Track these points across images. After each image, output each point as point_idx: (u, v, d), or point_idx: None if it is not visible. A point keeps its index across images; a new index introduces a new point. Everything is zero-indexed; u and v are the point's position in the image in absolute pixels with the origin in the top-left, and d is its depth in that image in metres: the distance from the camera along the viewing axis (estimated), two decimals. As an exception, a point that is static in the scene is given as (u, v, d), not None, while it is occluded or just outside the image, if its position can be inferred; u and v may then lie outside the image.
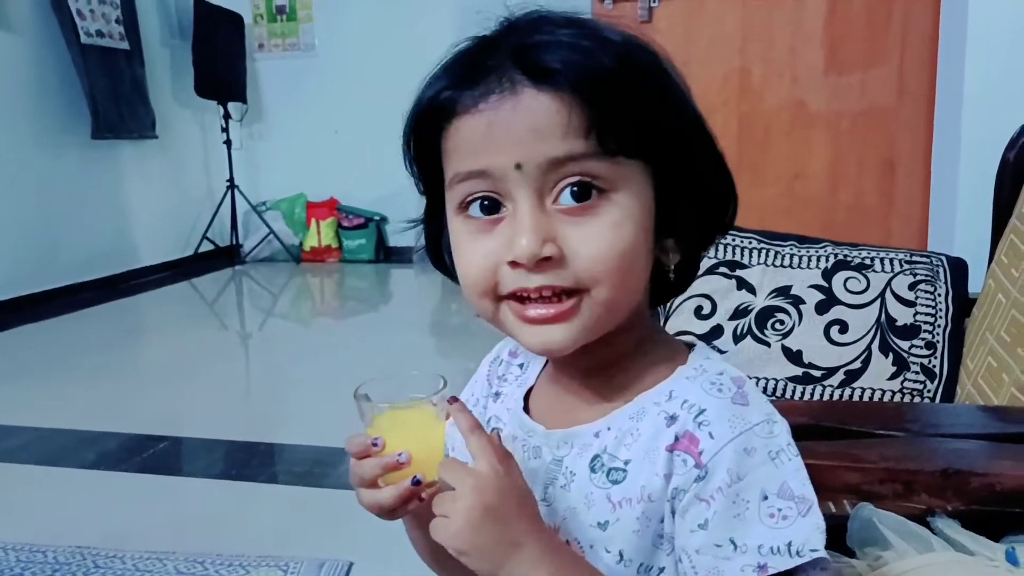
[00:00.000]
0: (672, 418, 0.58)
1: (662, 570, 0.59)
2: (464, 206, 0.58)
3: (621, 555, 0.59)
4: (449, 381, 0.64)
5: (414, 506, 0.62)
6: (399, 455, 0.60)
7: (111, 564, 1.68)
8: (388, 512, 0.62)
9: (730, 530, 0.54)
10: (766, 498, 0.54)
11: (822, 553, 0.54)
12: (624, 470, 0.59)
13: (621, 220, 0.55)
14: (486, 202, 0.57)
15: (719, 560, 0.54)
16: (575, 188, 0.55)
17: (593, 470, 0.61)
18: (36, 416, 2.60)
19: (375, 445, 0.61)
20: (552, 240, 0.55)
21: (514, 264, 0.56)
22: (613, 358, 0.62)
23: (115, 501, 2.06)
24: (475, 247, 0.58)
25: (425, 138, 0.59)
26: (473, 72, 0.56)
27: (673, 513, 0.57)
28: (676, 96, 0.58)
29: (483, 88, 0.55)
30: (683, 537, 0.56)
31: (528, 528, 0.55)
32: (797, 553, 0.53)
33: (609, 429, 0.61)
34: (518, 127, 0.54)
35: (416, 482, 0.60)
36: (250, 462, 2.27)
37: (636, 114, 0.54)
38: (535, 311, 0.57)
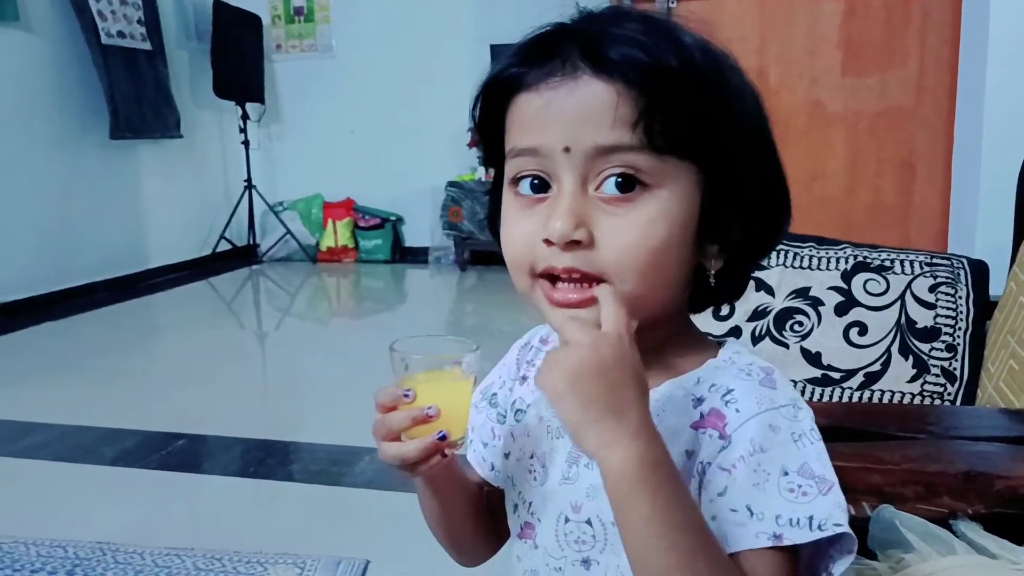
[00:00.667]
0: (699, 400, 0.59)
1: None
2: (515, 181, 0.60)
3: None
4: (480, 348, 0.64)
5: (436, 462, 0.62)
6: (428, 408, 0.61)
7: (131, 560, 1.70)
8: (410, 466, 0.62)
9: (748, 498, 0.54)
10: (786, 474, 0.54)
11: (846, 529, 0.53)
12: None
13: (656, 217, 0.56)
14: (536, 181, 0.59)
15: (733, 526, 0.54)
16: (619, 179, 0.56)
17: None
18: (56, 414, 2.63)
19: (406, 396, 0.61)
20: (586, 225, 0.56)
21: (548, 242, 0.57)
22: (648, 340, 0.62)
23: (134, 498, 2.07)
24: (519, 223, 0.59)
25: (492, 110, 0.61)
26: (541, 53, 0.57)
27: (699, 490, 0.57)
28: (737, 105, 0.58)
29: (547, 69, 0.57)
30: (703, 507, 0.56)
31: (636, 402, 0.52)
32: (819, 527, 0.53)
33: None
34: (571, 110, 0.55)
35: (442, 437, 0.61)
36: (267, 460, 2.28)
37: (688, 115, 0.55)
38: (562, 294, 0.58)
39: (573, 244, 0.56)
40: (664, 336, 0.63)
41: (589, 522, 0.62)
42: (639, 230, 0.56)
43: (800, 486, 0.54)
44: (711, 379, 0.60)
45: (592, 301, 0.57)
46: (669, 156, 0.55)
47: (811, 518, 0.53)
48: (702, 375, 0.61)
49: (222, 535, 1.82)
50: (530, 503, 0.67)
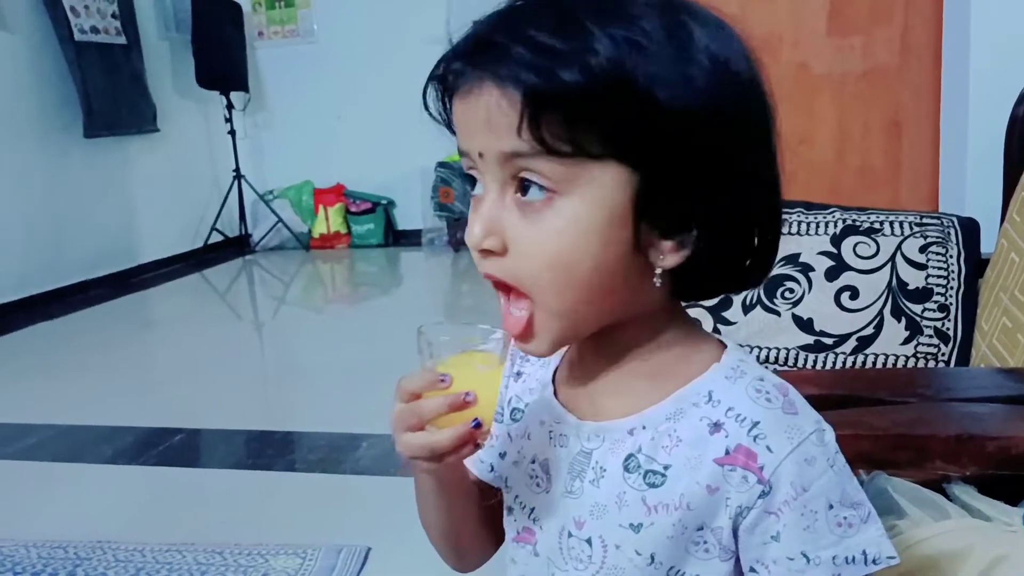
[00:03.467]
0: (716, 425, 0.57)
1: None
2: (467, 179, 0.60)
3: (652, 557, 0.58)
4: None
5: (467, 452, 0.59)
6: (466, 394, 0.57)
7: (132, 557, 1.70)
8: (438, 457, 0.59)
9: (801, 543, 0.55)
10: (832, 507, 0.55)
11: (898, 560, 0.56)
12: (664, 475, 0.57)
13: (564, 227, 0.54)
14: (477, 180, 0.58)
15: (793, 573, 0.55)
16: (527, 185, 0.55)
17: (628, 470, 0.59)
18: (52, 414, 2.62)
19: (443, 381, 0.58)
20: (499, 232, 0.56)
21: None
22: (629, 343, 0.61)
23: (133, 495, 2.07)
24: (470, 221, 0.58)
25: (441, 105, 0.60)
26: (464, 54, 0.56)
27: (735, 530, 0.57)
28: (672, 99, 0.52)
29: (464, 75, 0.56)
30: (756, 550, 0.56)
31: None
32: (874, 561, 0.55)
33: (644, 428, 0.59)
34: (478, 118, 0.55)
35: (477, 425, 0.58)
36: (266, 451, 2.28)
37: (591, 120, 0.52)
38: (507, 324, 0.59)
39: (488, 251, 0.56)
40: (653, 328, 0.61)
41: (589, 541, 0.60)
42: (545, 241, 0.54)
43: (846, 518, 0.55)
44: (726, 399, 0.57)
45: (527, 332, 0.58)
46: (578, 160, 0.53)
47: (865, 552, 0.55)
48: (712, 389, 0.58)
49: (223, 528, 1.82)
50: (531, 508, 0.66)
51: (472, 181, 0.59)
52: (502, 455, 0.70)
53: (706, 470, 0.56)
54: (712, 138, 0.53)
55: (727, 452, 0.56)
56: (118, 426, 2.50)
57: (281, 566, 1.64)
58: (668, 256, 0.56)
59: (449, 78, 0.57)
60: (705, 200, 0.54)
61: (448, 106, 0.59)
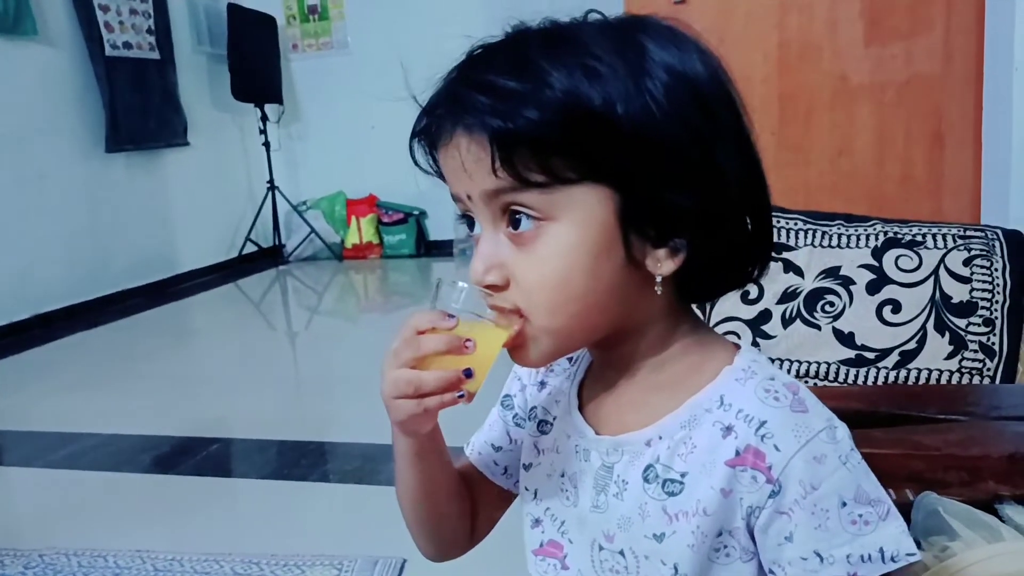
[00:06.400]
0: (728, 429, 0.57)
1: None
2: (467, 219, 0.62)
3: (676, 568, 0.58)
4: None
5: (450, 401, 0.59)
6: (467, 340, 0.58)
7: (170, 567, 1.71)
8: (420, 396, 0.59)
9: (814, 543, 0.54)
10: (845, 504, 0.54)
11: (919, 557, 0.55)
12: (681, 483, 0.58)
13: (556, 251, 0.56)
14: (472, 217, 0.61)
15: (808, 573, 0.55)
16: (514, 217, 0.57)
17: (647, 480, 0.60)
18: (94, 423, 2.66)
19: (451, 317, 0.59)
20: (499, 267, 0.58)
21: None
22: (639, 354, 0.62)
23: (172, 504, 2.09)
24: (472, 259, 0.61)
25: (430, 159, 0.63)
26: (435, 108, 0.60)
27: (750, 530, 0.57)
28: (627, 117, 0.54)
29: (439, 126, 0.59)
30: (772, 552, 0.56)
31: None
32: (892, 559, 0.54)
33: (661, 438, 0.60)
34: (456, 164, 0.58)
35: (468, 374, 0.59)
36: (301, 461, 2.29)
37: (560, 152, 0.54)
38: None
39: (491, 286, 0.59)
40: (662, 336, 0.62)
41: (622, 553, 0.61)
42: (540, 268, 0.57)
43: (861, 515, 0.54)
44: (736, 401, 0.58)
45: (520, 344, 0.59)
46: (556, 187, 0.55)
47: (882, 550, 0.54)
48: (724, 392, 0.59)
49: (258, 539, 1.83)
50: (561, 522, 0.66)
51: (471, 223, 0.61)
52: (527, 466, 0.70)
53: (719, 473, 0.57)
54: (680, 144, 0.55)
55: (737, 453, 0.56)
56: (156, 435, 2.53)
57: (317, 577, 1.65)
58: (664, 263, 0.58)
59: (429, 131, 0.61)
60: (687, 204, 0.56)
61: (433, 156, 0.62)
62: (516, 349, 0.60)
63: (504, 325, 0.59)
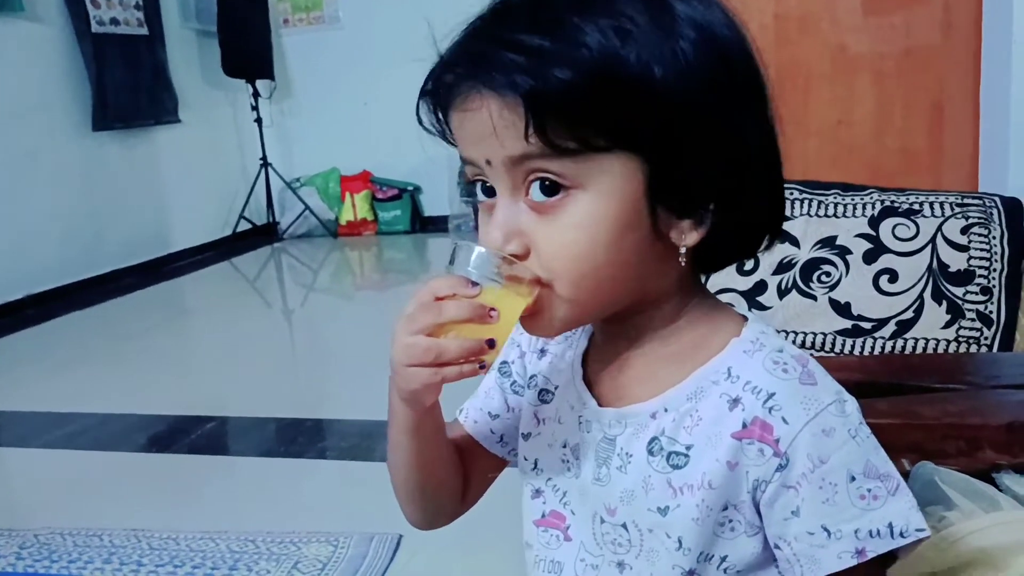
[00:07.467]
0: (735, 401, 0.56)
1: (724, 558, 0.57)
2: (474, 184, 0.60)
3: (680, 542, 0.57)
4: None
5: (469, 370, 0.57)
6: (492, 308, 0.56)
7: (166, 545, 1.71)
8: (440, 363, 0.56)
9: (821, 517, 0.54)
10: (853, 479, 0.54)
11: (928, 532, 0.54)
12: (686, 455, 0.57)
13: (579, 222, 0.54)
14: (487, 184, 0.58)
15: (814, 548, 0.54)
16: (540, 184, 0.55)
17: (651, 453, 0.59)
18: (89, 403, 2.65)
19: (475, 285, 0.56)
20: (519, 235, 0.56)
21: None
22: (651, 326, 0.61)
23: (167, 483, 2.09)
24: (482, 227, 0.59)
25: (437, 117, 0.60)
26: (454, 66, 0.56)
27: (756, 504, 0.56)
28: (672, 85, 0.52)
29: (458, 86, 0.55)
30: (777, 526, 0.55)
31: None
32: (901, 534, 0.53)
33: (666, 411, 0.59)
34: (479, 128, 0.55)
35: (491, 343, 0.56)
36: (298, 438, 2.29)
37: (591, 116, 0.52)
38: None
39: (511, 255, 0.56)
40: (675, 307, 0.60)
41: (625, 526, 0.60)
42: (566, 236, 0.55)
43: (870, 490, 0.54)
44: (744, 373, 0.57)
45: (536, 312, 0.57)
46: (585, 155, 0.53)
47: (891, 525, 0.53)
48: (732, 364, 0.58)
49: (254, 516, 1.83)
50: (563, 493, 0.65)
51: (471, 190, 0.59)
52: (526, 435, 0.69)
53: (725, 446, 0.56)
54: (711, 110, 0.54)
55: (744, 425, 0.55)
56: (151, 414, 2.53)
57: (313, 554, 1.65)
58: (689, 234, 0.56)
59: (441, 91, 0.57)
60: (716, 173, 0.54)
61: (441, 118, 0.59)
62: (531, 318, 0.57)
63: (524, 294, 0.57)
